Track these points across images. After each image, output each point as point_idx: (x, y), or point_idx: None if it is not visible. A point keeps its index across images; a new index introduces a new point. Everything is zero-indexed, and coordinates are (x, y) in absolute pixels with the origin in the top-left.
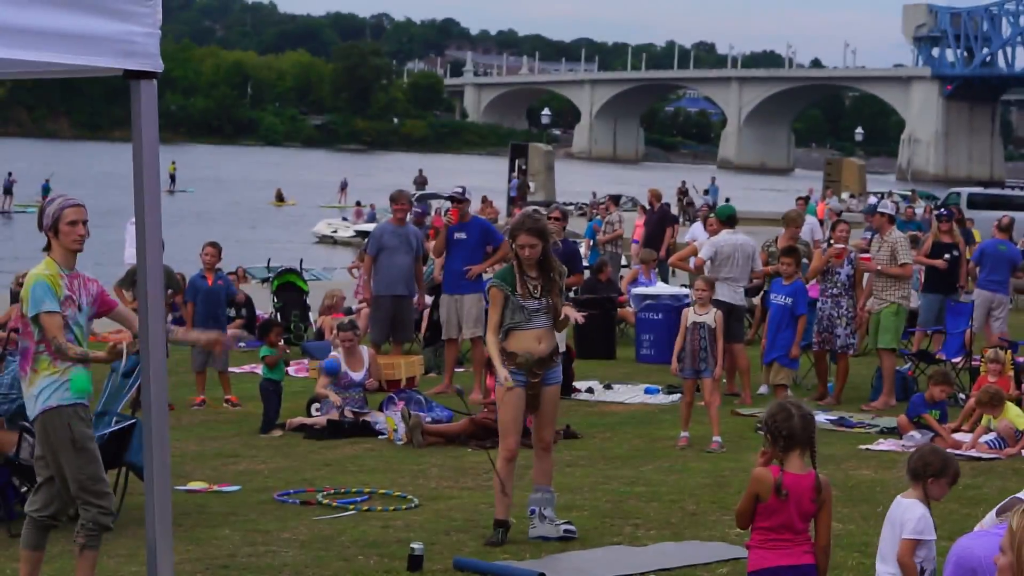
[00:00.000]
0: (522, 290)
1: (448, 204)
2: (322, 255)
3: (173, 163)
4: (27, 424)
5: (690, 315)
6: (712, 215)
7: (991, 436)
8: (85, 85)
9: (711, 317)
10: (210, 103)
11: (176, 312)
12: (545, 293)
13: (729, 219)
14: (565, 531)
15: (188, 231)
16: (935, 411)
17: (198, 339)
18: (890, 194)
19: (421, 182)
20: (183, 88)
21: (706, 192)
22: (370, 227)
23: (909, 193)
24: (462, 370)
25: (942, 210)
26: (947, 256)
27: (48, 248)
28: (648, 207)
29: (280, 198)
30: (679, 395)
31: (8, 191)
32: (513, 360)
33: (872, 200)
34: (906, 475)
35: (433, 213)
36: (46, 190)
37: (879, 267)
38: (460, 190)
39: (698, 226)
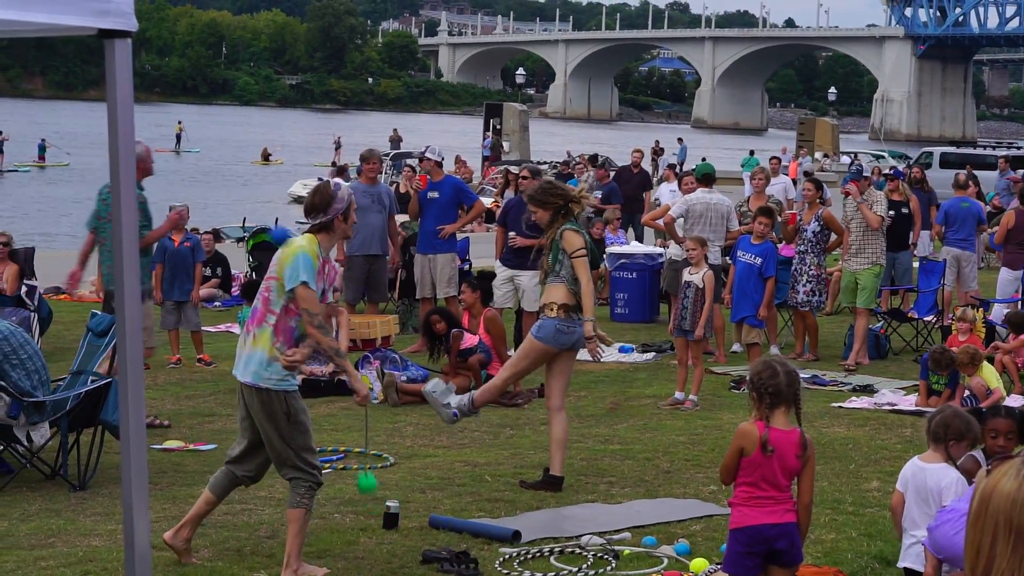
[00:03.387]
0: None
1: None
2: (298, 214)
3: (180, 123)
4: (3, 384)
5: (684, 274)
6: (679, 174)
7: (964, 395)
8: (60, 45)
9: (698, 277)
10: (185, 63)
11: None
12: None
13: (705, 177)
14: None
15: (180, 193)
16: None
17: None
18: (856, 156)
19: (396, 140)
20: (158, 48)
21: (661, 152)
22: None
23: (882, 154)
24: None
25: (891, 170)
26: (891, 213)
27: (322, 229)
28: (634, 168)
29: (266, 157)
30: (653, 354)
31: None
32: None
33: (845, 160)
34: (927, 437)
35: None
36: (42, 150)
37: (859, 202)
38: (426, 150)
39: (664, 187)
